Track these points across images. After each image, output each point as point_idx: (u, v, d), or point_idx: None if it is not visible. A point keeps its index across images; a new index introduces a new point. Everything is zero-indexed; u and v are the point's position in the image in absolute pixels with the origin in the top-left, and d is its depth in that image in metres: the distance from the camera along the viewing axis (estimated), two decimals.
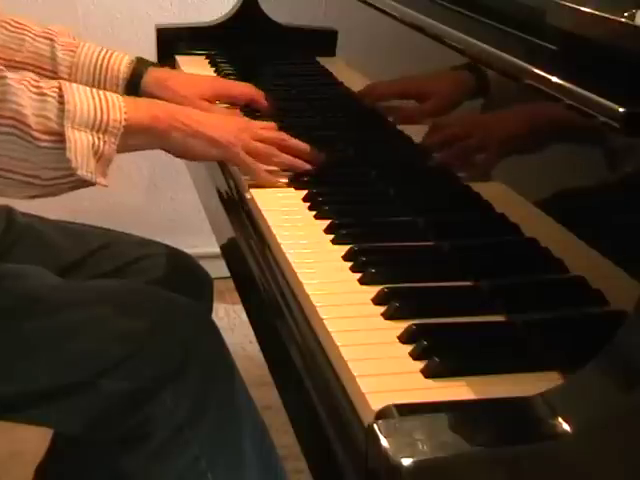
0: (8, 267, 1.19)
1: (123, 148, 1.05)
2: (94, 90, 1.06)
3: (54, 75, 1.28)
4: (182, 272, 1.36)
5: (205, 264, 1.41)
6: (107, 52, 1.31)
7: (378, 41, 1.30)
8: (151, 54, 1.62)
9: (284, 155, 1.15)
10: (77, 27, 2.20)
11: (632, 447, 0.65)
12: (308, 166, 1.15)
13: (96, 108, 1.04)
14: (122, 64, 1.30)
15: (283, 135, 1.17)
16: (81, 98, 1.03)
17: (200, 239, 2.23)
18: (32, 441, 1.47)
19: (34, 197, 1.05)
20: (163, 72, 1.35)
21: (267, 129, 1.18)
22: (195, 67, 1.60)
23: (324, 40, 1.48)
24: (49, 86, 1.03)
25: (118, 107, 1.05)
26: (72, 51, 1.30)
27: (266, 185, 1.13)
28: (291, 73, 1.55)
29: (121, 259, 1.32)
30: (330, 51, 1.47)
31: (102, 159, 1.04)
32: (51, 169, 1.02)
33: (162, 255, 1.36)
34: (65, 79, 1.26)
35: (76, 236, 1.34)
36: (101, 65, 1.29)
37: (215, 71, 1.59)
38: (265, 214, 1.06)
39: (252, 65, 1.42)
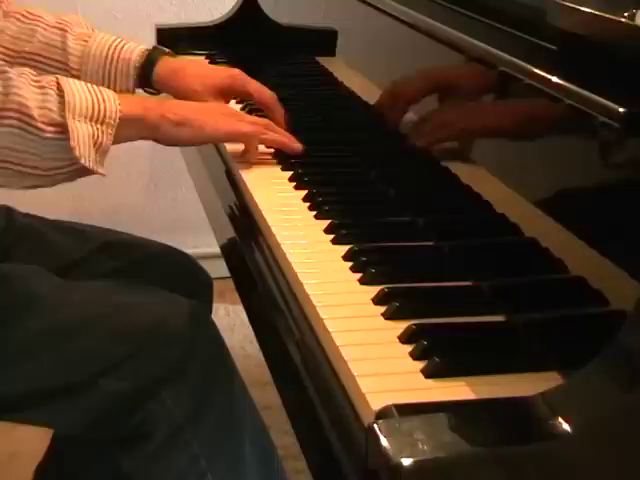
0: (8, 267, 1.19)
1: (117, 139, 1.07)
2: (88, 84, 1.08)
3: (64, 66, 1.28)
4: (182, 272, 1.36)
5: (205, 264, 1.41)
6: (120, 41, 1.30)
7: (378, 41, 1.30)
8: None
9: (272, 133, 1.19)
10: None
11: (632, 447, 0.65)
12: (297, 145, 1.19)
13: (93, 100, 1.05)
14: (134, 53, 1.29)
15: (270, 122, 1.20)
16: (78, 91, 1.05)
17: (200, 239, 2.23)
18: (32, 441, 1.47)
19: (32, 187, 1.07)
20: (178, 62, 1.33)
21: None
22: None
23: (324, 40, 1.48)
24: (47, 80, 1.05)
25: (112, 99, 1.07)
26: (85, 41, 1.29)
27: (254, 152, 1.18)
28: (291, 73, 1.55)
29: (121, 259, 1.32)
30: (330, 51, 1.47)
31: (100, 149, 1.06)
32: (52, 159, 1.03)
33: (162, 255, 1.36)
34: (75, 69, 1.27)
35: (76, 236, 1.34)
36: (112, 55, 1.28)
37: None
38: (265, 214, 1.05)
39: (252, 65, 1.42)
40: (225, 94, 1.30)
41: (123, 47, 1.29)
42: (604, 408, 0.64)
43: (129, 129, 1.09)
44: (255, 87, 1.30)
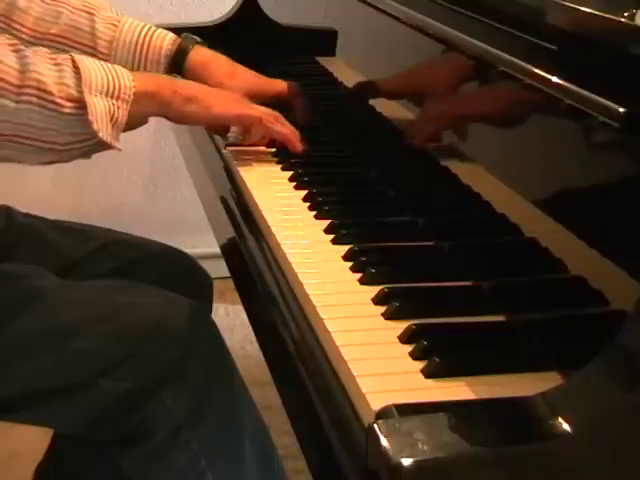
0: (8, 267, 1.19)
1: (131, 115, 1.09)
2: (101, 62, 1.10)
3: (92, 50, 1.27)
4: (182, 272, 1.36)
5: (205, 264, 1.41)
6: (150, 28, 1.30)
7: (378, 41, 1.30)
8: None
9: (279, 125, 1.19)
10: None
11: (632, 447, 0.65)
12: (300, 144, 1.19)
13: (107, 76, 1.07)
14: (166, 40, 1.29)
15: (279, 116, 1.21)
16: (93, 67, 1.07)
17: (200, 239, 2.23)
18: (32, 441, 1.47)
19: (49, 163, 1.09)
20: (210, 54, 1.33)
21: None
22: None
23: (324, 40, 1.48)
24: (62, 57, 1.06)
25: (126, 76, 1.09)
26: (114, 25, 1.29)
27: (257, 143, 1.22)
28: (291, 73, 1.55)
29: (121, 259, 1.32)
30: (330, 51, 1.47)
31: (116, 124, 1.07)
32: (70, 134, 1.05)
33: (162, 255, 1.36)
34: (104, 54, 1.27)
35: (76, 236, 1.34)
36: (143, 42, 1.28)
37: None
38: (265, 214, 1.06)
39: (252, 65, 1.42)
40: (250, 96, 1.30)
41: (153, 34, 1.29)
42: (604, 408, 0.64)
43: (143, 105, 1.10)
44: (283, 83, 1.33)
